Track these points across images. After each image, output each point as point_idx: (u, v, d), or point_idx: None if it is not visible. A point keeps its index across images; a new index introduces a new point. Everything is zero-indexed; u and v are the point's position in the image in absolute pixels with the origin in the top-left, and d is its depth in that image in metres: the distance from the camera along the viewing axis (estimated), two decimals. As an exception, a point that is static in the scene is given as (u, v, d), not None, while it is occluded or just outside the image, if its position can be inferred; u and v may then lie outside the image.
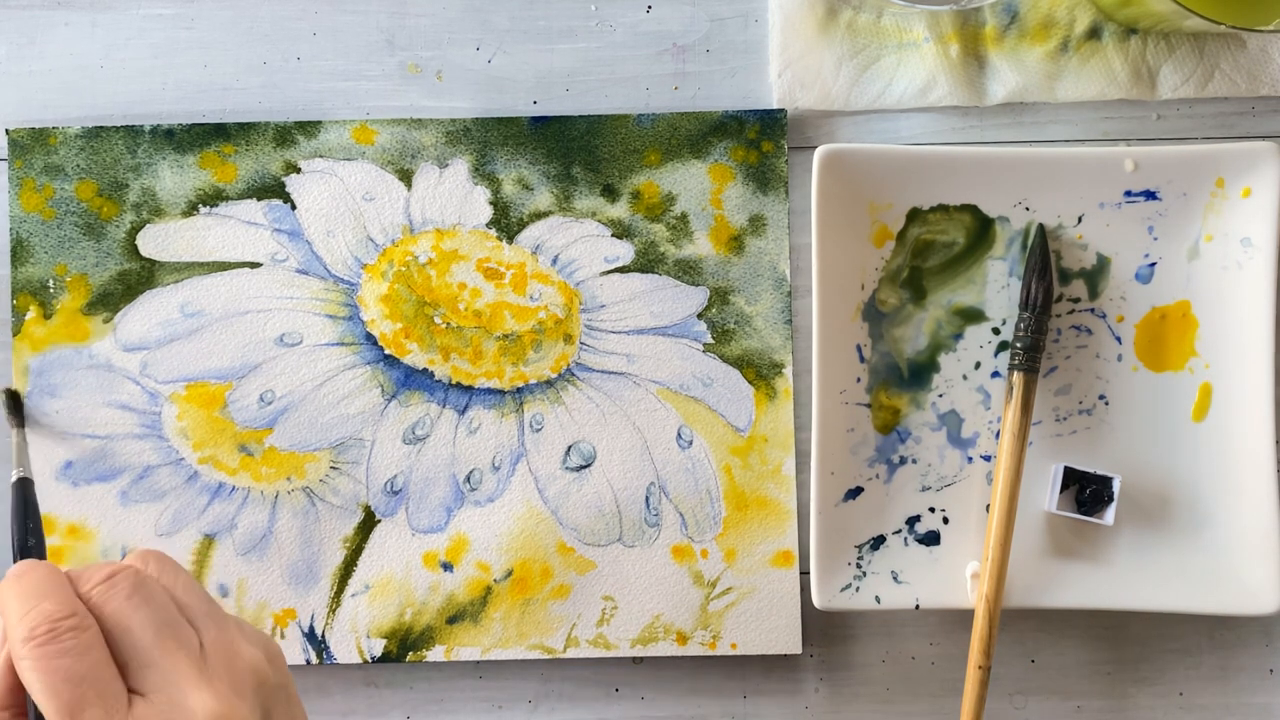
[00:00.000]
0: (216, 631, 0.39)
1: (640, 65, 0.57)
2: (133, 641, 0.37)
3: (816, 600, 0.54)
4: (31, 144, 0.56)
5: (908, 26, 0.56)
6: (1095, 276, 0.55)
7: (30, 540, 0.46)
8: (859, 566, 0.55)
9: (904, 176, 0.55)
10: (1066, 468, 0.54)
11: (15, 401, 0.55)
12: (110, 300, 0.56)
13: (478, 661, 0.56)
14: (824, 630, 0.56)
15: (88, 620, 0.37)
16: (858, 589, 0.54)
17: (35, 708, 0.37)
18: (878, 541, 0.55)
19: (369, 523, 0.55)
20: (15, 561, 0.44)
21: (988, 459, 0.55)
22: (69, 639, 0.36)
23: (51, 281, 0.56)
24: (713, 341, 0.56)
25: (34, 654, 0.36)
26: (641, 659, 0.56)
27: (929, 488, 0.55)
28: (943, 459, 0.55)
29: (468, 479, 0.55)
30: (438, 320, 0.56)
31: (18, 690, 0.38)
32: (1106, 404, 0.55)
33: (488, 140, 0.56)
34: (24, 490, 0.48)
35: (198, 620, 0.39)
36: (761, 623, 0.55)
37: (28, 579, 0.38)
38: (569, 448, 0.56)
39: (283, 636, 0.55)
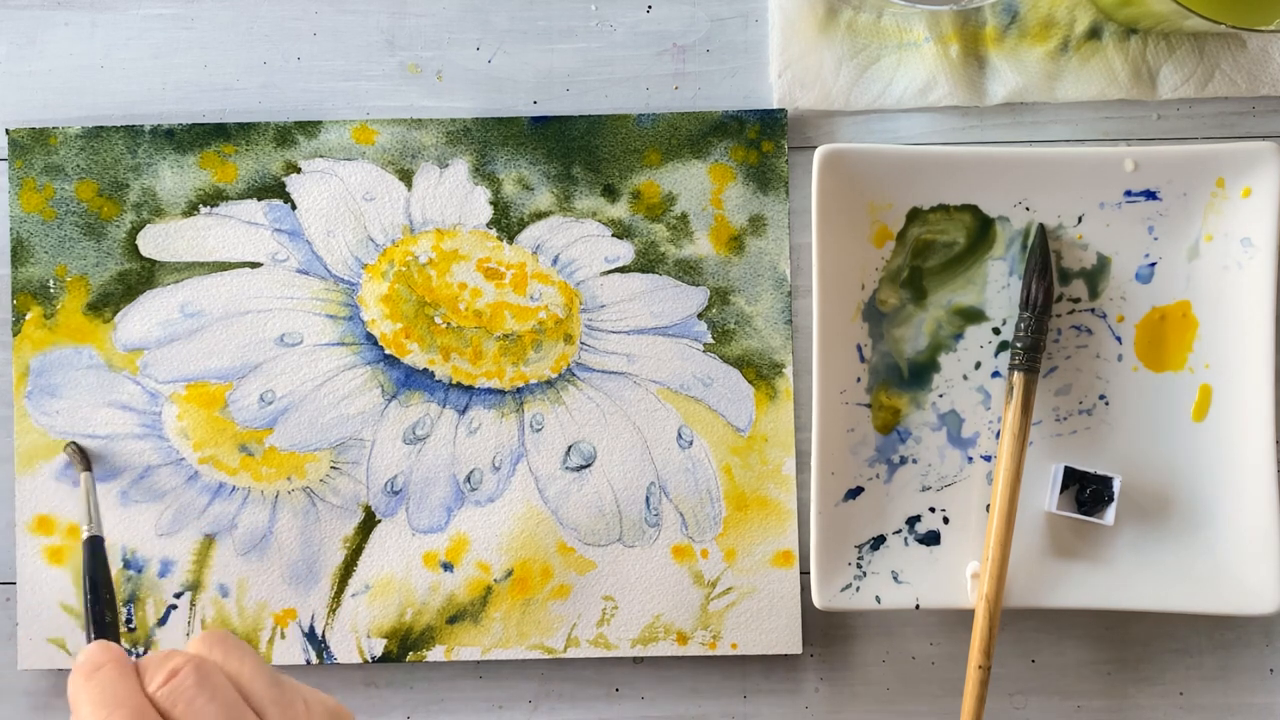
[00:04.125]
0: None
1: (640, 65, 0.57)
2: None
3: (816, 600, 0.54)
4: (31, 144, 0.56)
5: (908, 26, 0.56)
6: (1095, 276, 0.55)
7: (106, 615, 0.44)
8: (859, 566, 0.55)
9: (904, 176, 0.55)
10: (1066, 468, 0.54)
11: (80, 450, 0.54)
12: (110, 300, 0.56)
13: (478, 661, 0.56)
14: (824, 630, 0.56)
15: None
16: (858, 589, 0.54)
17: None
18: (878, 541, 0.55)
19: (369, 523, 0.55)
20: (88, 636, 0.43)
21: (988, 459, 0.55)
22: None
23: (52, 282, 0.56)
24: (713, 341, 0.56)
25: None
26: (641, 659, 0.56)
27: (929, 488, 0.55)
28: (943, 459, 0.55)
29: (468, 479, 0.55)
30: (438, 320, 0.56)
31: None
32: (1106, 404, 0.55)
33: (488, 140, 0.56)
34: (94, 551, 0.45)
35: (266, 710, 0.39)
36: (761, 622, 0.55)
37: (99, 680, 0.38)
38: (569, 448, 0.56)
39: (283, 636, 0.55)
